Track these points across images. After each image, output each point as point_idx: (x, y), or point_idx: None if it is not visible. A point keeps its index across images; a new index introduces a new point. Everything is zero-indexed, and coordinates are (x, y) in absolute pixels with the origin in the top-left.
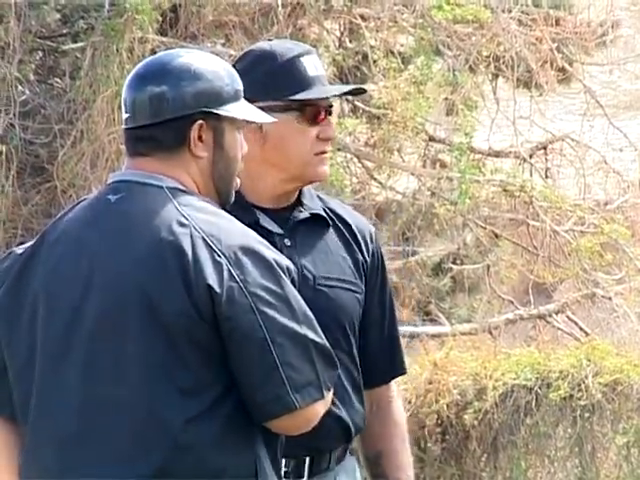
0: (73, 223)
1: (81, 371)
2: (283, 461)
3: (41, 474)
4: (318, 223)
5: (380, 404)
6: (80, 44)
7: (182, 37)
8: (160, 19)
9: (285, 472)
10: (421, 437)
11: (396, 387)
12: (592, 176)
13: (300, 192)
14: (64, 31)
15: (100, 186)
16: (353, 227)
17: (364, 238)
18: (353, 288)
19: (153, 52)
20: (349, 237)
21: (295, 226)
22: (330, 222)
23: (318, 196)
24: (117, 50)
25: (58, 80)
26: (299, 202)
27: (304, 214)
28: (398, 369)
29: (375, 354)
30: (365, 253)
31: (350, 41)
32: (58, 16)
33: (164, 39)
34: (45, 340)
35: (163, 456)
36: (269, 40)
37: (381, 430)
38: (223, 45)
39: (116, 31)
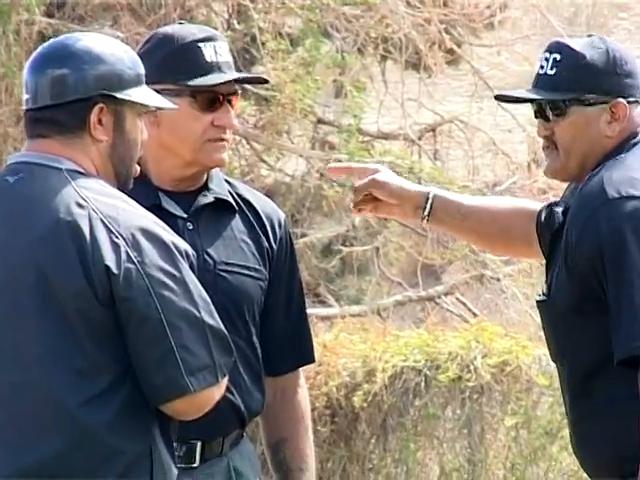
0: None
1: None
2: (175, 445)
3: None
4: (223, 208)
5: (285, 392)
6: None
7: (70, 19)
8: (47, 1)
9: (177, 457)
10: (310, 419)
11: (302, 375)
12: (481, 158)
13: (208, 176)
14: None
15: None
16: (260, 213)
17: (272, 224)
18: (256, 275)
19: (40, 34)
20: (255, 223)
21: (199, 210)
22: (236, 207)
23: (227, 180)
24: (4, 32)
25: None
26: (206, 186)
27: (208, 198)
28: (305, 357)
29: (281, 342)
30: (272, 240)
31: (238, 23)
32: None
33: (51, 21)
34: None
35: (60, 438)
36: (180, 23)
37: (284, 418)
38: (111, 27)
39: (2, 13)
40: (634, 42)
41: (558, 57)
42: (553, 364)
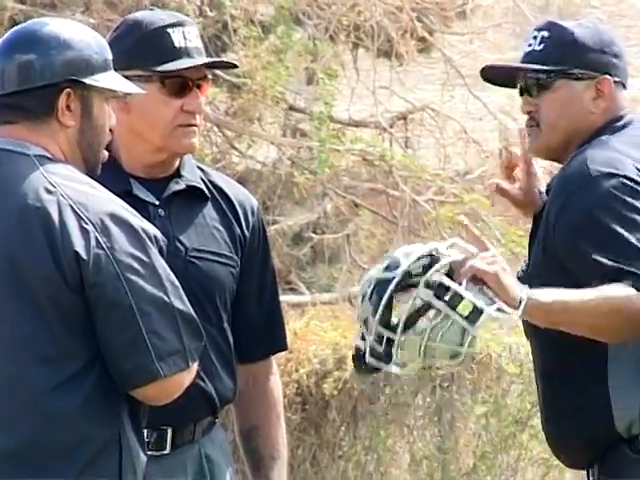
0: None
1: None
2: (145, 432)
3: None
4: (195, 195)
5: (257, 379)
6: None
7: (41, 5)
8: None
9: (148, 443)
10: (282, 407)
11: (275, 363)
12: (452, 146)
13: (180, 162)
14: None
15: None
16: (233, 200)
17: (244, 212)
18: (227, 262)
19: (12, 20)
20: (228, 210)
21: (171, 197)
22: (209, 194)
23: (200, 167)
24: None
25: None
26: (178, 173)
27: (180, 185)
28: (278, 345)
29: (253, 329)
30: (244, 227)
31: (210, 10)
32: None
33: (23, 7)
34: None
35: (29, 424)
36: (150, 10)
37: (256, 406)
38: (83, 14)
39: None
40: None
41: (547, 34)
42: (523, 352)
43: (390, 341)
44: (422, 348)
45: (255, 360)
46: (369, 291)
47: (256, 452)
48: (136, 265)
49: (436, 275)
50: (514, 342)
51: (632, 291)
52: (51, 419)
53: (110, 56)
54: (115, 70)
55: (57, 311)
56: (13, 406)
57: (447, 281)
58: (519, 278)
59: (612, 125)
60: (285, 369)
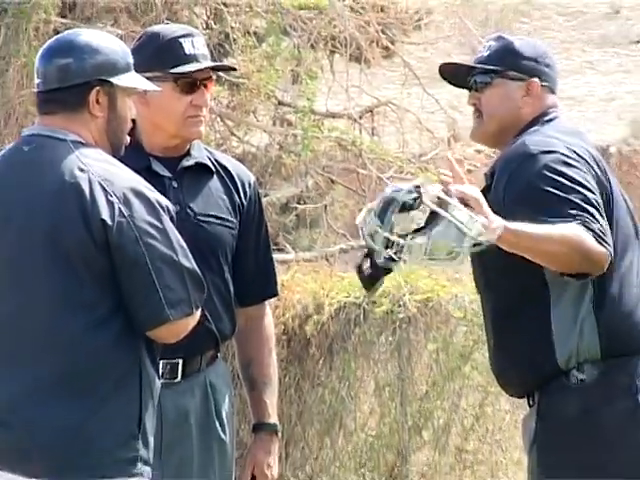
0: None
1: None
2: (160, 363)
3: None
4: (203, 170)
5: (253, 320)
6: None
7: (79, 19)
8: (61, 4)
9: (162, 373)
10: (274, 342)
11: (268, 306)
12: (410, 134)
13: (190, 145)
14: None
15: (12, 139)
16: (234, 175)
17: (243, 185)
18: (228, 224)
19: (55, 31)
20: (229, 183)
21: (182, 172)
22: (214, 170)
23: (207, 149)
24: (26, 29)
25: None
26: (188, 153)
27: (190, 162)
28: (269, 291)
29: (249, 278)
30: (242, 196)
31: (215, 23)
32: None
33: (64, 21)
34: None
35: (69, 357)
36: (165, 23)
37: (252, 342)
38: (112, 26)
39: (25, 13)
40: None
41: (494, 43)
42: (467, 300)
43: (397, 246)
44: (426, 248)
45: (251, 304)
46: (374, 214)
47: (252, 379)
48: (152, 231)
49: (437, 193)
50: (459, 292)
51: (581, 228)
52: (86, 353)
53: (132, 60)
54: (137, 72)
55: (87, 268)
56: (54, 344)
57: (446, 197)
58: None
59: (541, 119)
60: (274, 313)
